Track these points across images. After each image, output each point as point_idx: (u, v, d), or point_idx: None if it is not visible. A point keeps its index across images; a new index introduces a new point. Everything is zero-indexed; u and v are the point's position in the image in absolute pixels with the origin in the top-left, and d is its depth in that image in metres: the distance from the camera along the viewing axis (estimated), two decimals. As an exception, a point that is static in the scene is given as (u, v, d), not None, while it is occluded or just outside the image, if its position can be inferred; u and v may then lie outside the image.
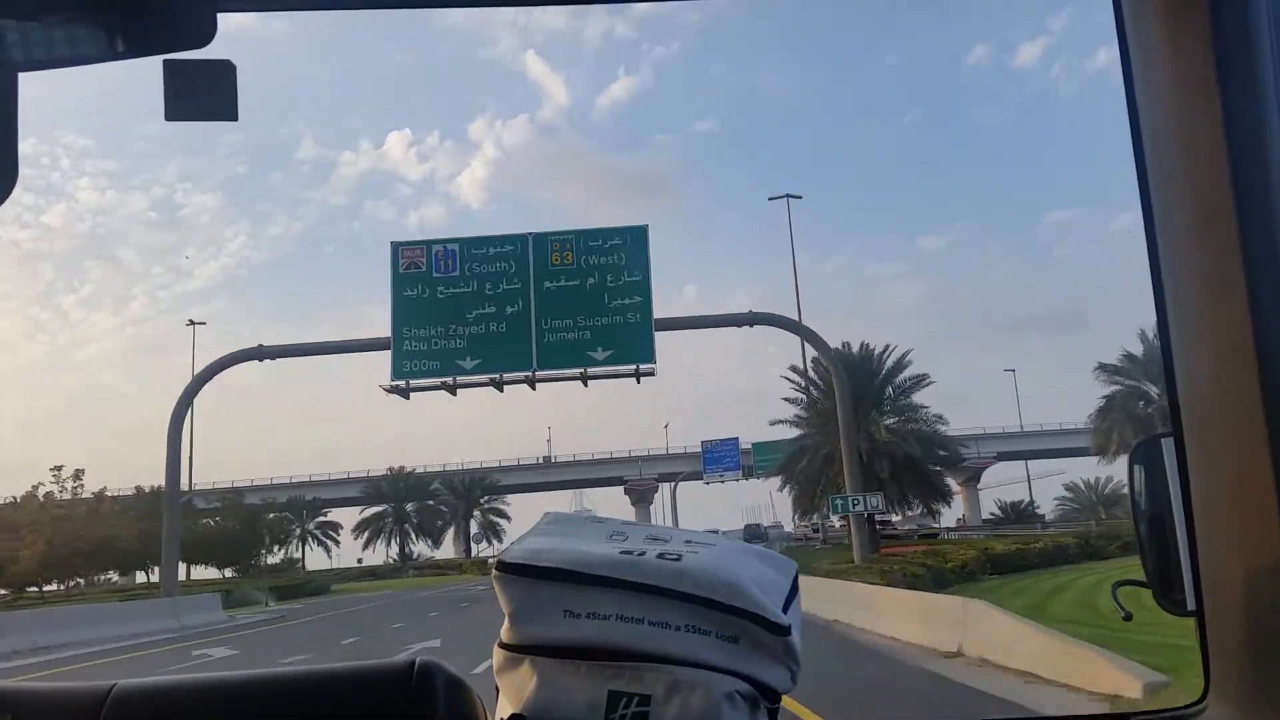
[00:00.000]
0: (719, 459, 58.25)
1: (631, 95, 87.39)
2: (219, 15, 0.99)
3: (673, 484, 63.99)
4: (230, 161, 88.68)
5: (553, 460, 68.43)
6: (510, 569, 0.91)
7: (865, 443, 34.80)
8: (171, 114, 1.04)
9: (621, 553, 0.91)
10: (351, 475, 64.13)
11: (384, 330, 31.33)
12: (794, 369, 41.88)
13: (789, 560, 0.99)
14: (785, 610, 0.90)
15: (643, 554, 0.91)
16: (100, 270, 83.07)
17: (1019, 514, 58.60)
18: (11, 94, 0.97)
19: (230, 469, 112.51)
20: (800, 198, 54.82)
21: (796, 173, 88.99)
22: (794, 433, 41.66)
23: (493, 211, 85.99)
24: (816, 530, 55.05)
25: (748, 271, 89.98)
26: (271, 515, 58.28)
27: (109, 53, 0.99)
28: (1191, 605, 1.25)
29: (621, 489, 67.99)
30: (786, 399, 41.69)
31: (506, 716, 0.90)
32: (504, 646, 0.92)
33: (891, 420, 37.84)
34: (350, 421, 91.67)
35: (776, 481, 43.72)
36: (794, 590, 0.95)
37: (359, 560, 65.25)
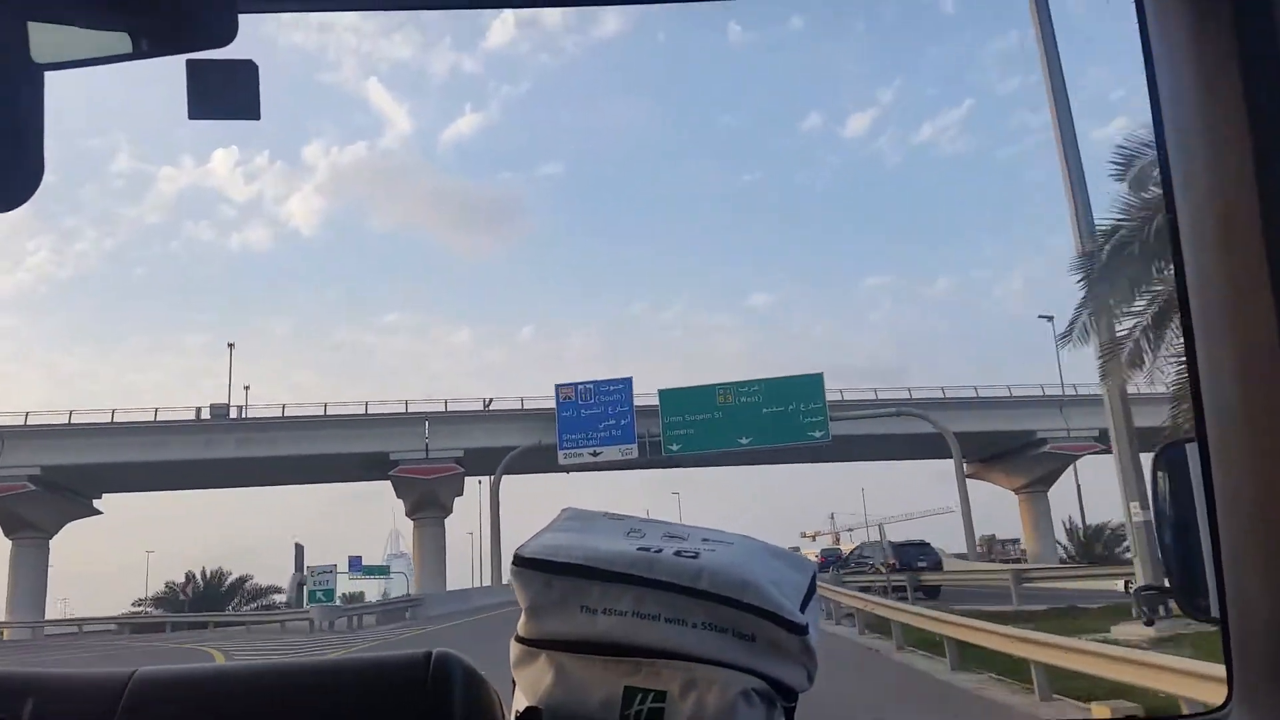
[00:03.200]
0: (592, 422, 42.74)
1: (477, 130, 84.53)
2: (240, 16, 1.00)
3: (494, 475, 43.47)
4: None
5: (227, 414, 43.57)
6: (527, 564, 0.91)
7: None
8: (195, 113, 1.04)
9: (639, 549, 0.91)
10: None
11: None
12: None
13: (808, 560, 0.99)
14: (803, 610, 0.90)
15: (660, 551, 0.91)
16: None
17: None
18: (38, 93, 0.97)
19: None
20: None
21: (640, 220, 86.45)
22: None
23: (324, 237, 79.78)
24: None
25: (589, 312, 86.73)
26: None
27: (131, 53, 0.99)
28: (1215, 612, 1.24)
29: (389, 482, 44.55)
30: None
31: (523, 710, 0.90)
32: (521, 641, 0.92)
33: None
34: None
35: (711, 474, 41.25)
36: (812, 590, 0.94)
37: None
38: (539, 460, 43.96)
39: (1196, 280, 1.22)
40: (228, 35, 0.98)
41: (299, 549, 42.67)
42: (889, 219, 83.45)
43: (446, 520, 47.18)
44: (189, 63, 1.02)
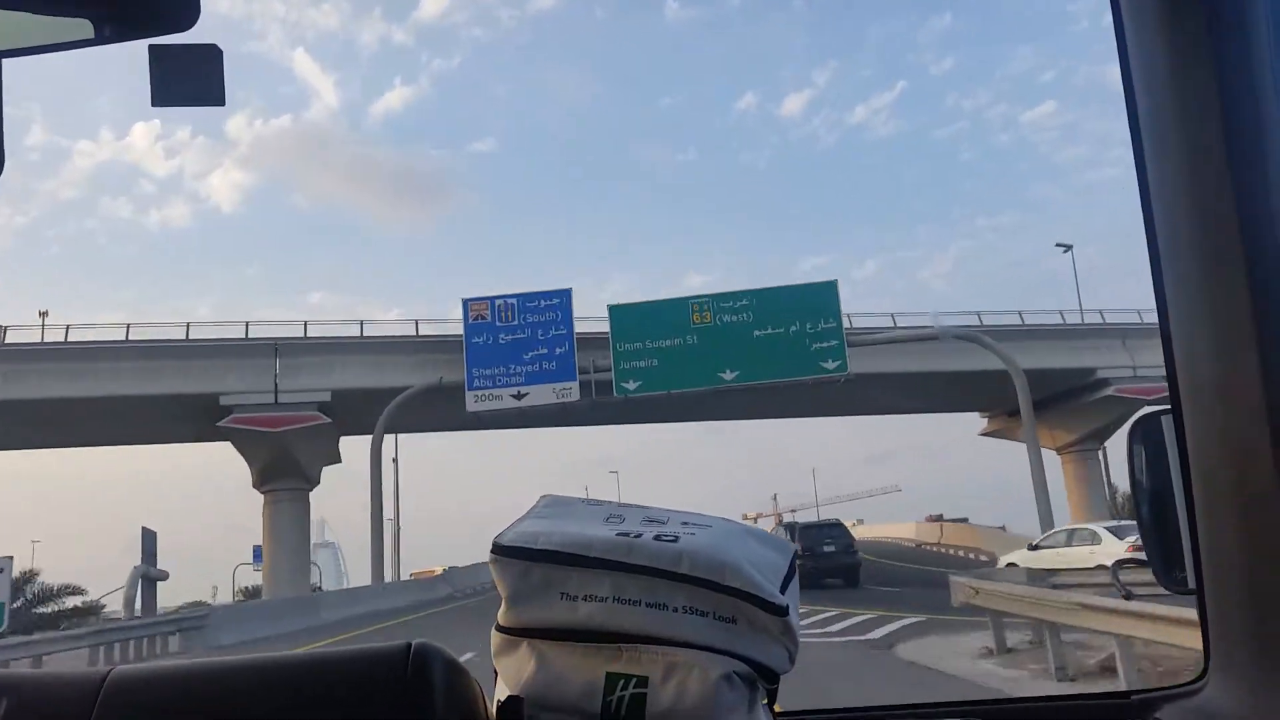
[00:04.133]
0: (514, 352, 30.25)
1: (407, 104, 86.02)
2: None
3: (376, 430, 30.75)
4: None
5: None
6: (506, 551, 0.91)
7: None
8: (159, 99, 1.05)
9: (618, 534, 0.91)
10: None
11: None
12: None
13: (787, 541, 0.99)
14: (783, 591, 0.90)
15: (639, 536, 0.91)
16: None
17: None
18: None
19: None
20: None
21: (575, 199, 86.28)
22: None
23: (246, 213, 78.98)
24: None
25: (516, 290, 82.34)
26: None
27: (92, 38, 0.97)
28: (1193, 584, 1.25)
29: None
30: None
31: (504, 699, 0.91)
32: (501, 630, 0.93)
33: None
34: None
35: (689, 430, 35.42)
36: (792, 571, 0.95)
37: None
38: (442, 410, 31.31)
39: (1170, 254, 1.23)
40: (190, 19, 0.96)
41: (148, 535, 28.14)
42: (825, 200, 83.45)
43: (314, 494, 34.00)
44: (152, 48, 1.03)
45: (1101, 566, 14.86)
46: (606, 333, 30.81)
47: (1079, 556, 16.64)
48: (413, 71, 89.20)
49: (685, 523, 0.95)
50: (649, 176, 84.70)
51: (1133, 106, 1.27)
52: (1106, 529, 17.91)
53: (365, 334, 32.23)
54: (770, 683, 0.91)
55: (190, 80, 1.03)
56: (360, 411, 30.64)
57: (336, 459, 34.90)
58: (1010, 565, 18.80)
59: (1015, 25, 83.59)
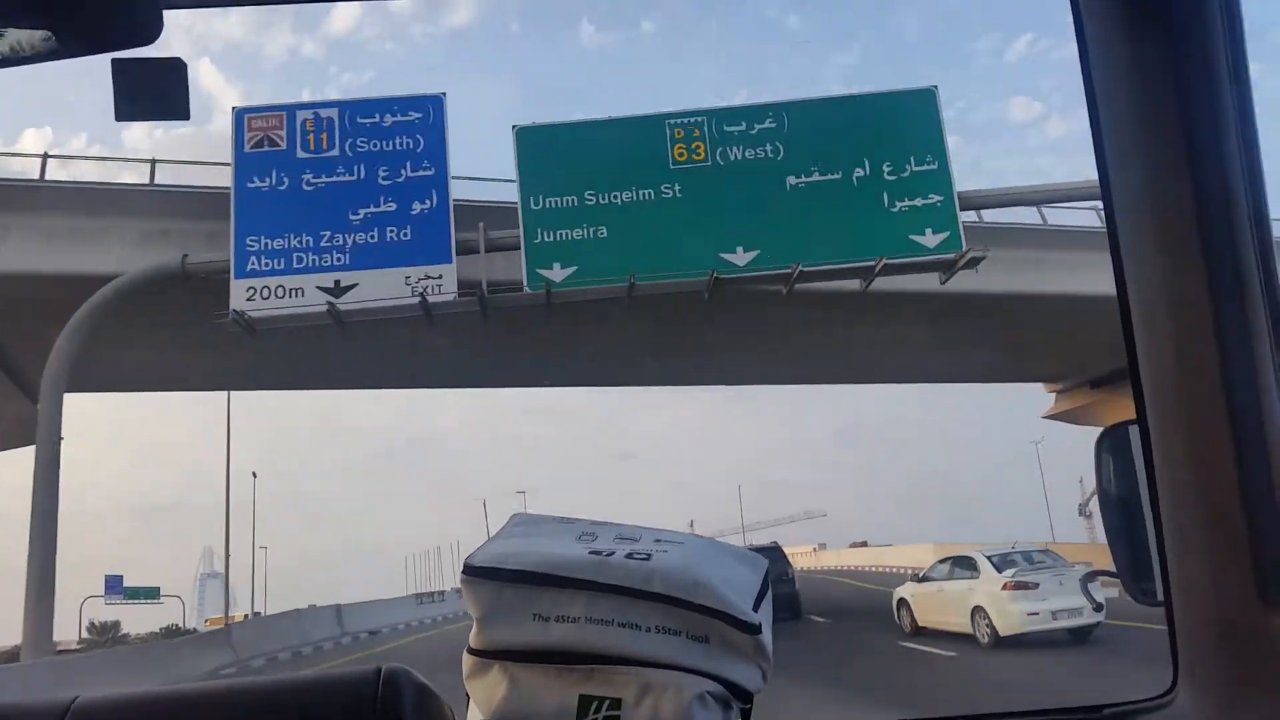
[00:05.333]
0: (330, 208, 15.37)
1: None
2: (165, 12, 0.97)
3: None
4: None
5: None
6: (477, 572, 0.90)
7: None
8: (122, 114, 1.03)
9: (590, 553, 0.91)
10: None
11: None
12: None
13: (760, 558, 0.98)
14: (756, 609, 0.90)
15: (612, 554, 0.90)
16: None
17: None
18: None
19: None
20: None
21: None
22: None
23: None
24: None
25: None
26: None
27: (53, 52, 0.96)
28: (1160, 595, 1.24)
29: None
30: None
31: None
32: (473, 652, 0.91)
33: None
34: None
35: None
36: (765, 588, 0.93)
37: None
38: (183, 322, 16.35)
39: (1133, 265, 1.24)
40: (153, 32, 0.96)
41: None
42: None
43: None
44: (114, 61, 1.00)
45: (979, 609, 13.63)
46: (514, 184, 16.34)
47: (957, 593, 14.48)
48: (320, 83, 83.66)
49: (658, 540, 0.95)
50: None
51: (1095, 114, 1.27)
52: (987, 557, 14.72)
53: (48, 177, 17.11)
54: (744, 702, 0.91)
55: (154, 94, 1.02)
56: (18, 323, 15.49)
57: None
58: (900, 601, 16.14)
59: (919, 66, 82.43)
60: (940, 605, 14.92)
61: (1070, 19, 1.27)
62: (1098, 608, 11.86)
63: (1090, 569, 14.24)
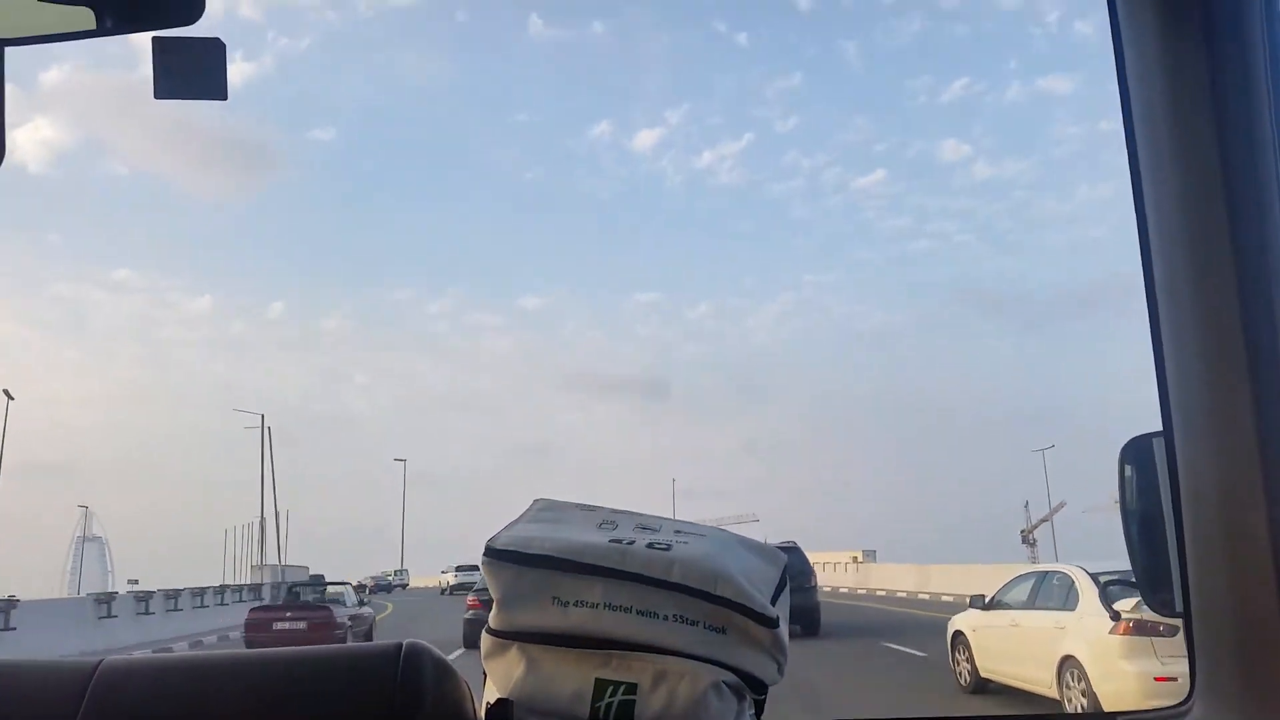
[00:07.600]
0: None
1: (246, 81, 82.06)
2: None
3: None
4: None
5: None
6: (499, 555, 0.92)
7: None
8: (161, 91, 1.04)
9: (611, 541, 0.93)
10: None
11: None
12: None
13: (779, 552, 1.00)
14: (774, 603, 0.92)
15: (632, 543, 0.92)
16: None
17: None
18: None
19: None
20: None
21: (415, 202, 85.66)
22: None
23: (53, 175, 76.63)
24: None
25: (346, 294, 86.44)
26: None
27: (95, 29, 0.98)
28: (1179, 607, 1.25)
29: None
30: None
31: (493, 702, 0.91)
32: (492, 632, 0.93)
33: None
34: None
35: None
36: (783, 582, 0.96)
37: None
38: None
39: (1163, 275, 1.23)
40: (195, 14, 0.97)
41: None
42: (664, 237, 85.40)
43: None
44: (155, 40, 1.01)
45: (1069, 661, 8.76)
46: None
47: (1040, 630, 9.52)
48: (256, 48, 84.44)
49: (678, 531, 0.96)
50: (494, 189, 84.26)
51: (1129, 119, 1.26)
52: (1092, 576, 9.14)
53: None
54: (759, 694, 0.92)
55: (195, 73, 1.03)
56: None
57: None
58: (956, 636, 11.49)
59: (857, 92, 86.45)
60: (1014, 648, 10.12)
61: (1107, 20, 1.28)
62: (1114, 616, 8.35)
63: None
